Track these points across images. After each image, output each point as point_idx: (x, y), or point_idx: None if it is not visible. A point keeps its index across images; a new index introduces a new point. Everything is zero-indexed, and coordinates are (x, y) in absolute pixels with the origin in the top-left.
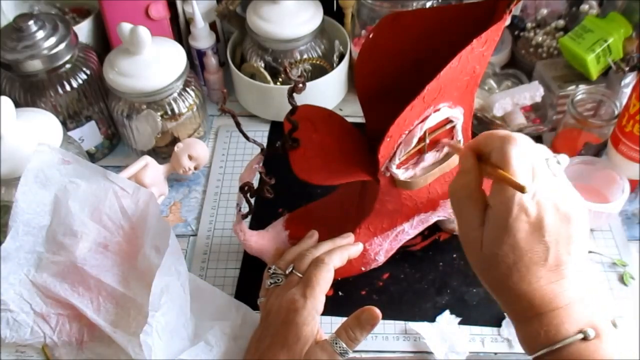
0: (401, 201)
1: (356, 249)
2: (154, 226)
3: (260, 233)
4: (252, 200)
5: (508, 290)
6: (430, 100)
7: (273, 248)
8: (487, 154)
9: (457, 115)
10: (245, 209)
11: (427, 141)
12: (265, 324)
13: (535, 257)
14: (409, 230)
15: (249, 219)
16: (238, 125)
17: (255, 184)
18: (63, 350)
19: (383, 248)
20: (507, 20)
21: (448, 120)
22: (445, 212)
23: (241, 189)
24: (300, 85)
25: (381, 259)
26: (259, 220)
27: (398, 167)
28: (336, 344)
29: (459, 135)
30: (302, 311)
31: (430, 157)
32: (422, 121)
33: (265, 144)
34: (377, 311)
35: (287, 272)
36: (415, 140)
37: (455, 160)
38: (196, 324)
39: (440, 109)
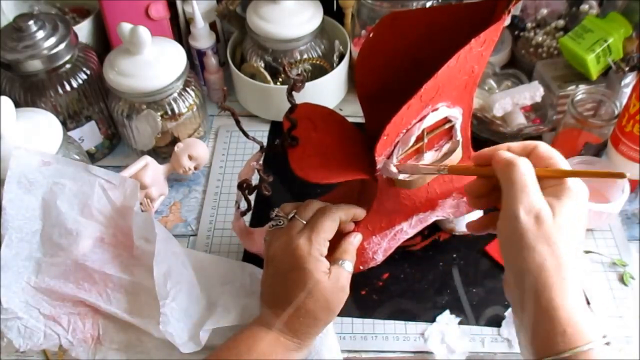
0: (400, 200)
1: (361, 212)
2: (135, 219)
3: (259, 231)
4: (252, 198)
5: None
6: (427, 99)
7: None
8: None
9: (456, 115)
10: (246, 207)
11: (426, 140)
12: (273, 270)
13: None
14: (408, 229)
15: (248, 216)
16: (238, 122)
17: (255, 182)
18: (80, 348)
19: (381, 247)
20: (507, 20)
21: (446, 120)
22: (444, 212)
23: (239, 186)
24: (299, 83)
25: (379, 258)
26: (259, 219)
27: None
28: (345, 264)
29: (458, 136)
30: (309, 257)
31: (429, 156)
32: (420, 120)
33: (265, 144)
34: (361, 234)
35: (289, 217)
36: (413, 139)
37: (453, 160)
38: (208, 292)
39: (438, 109)
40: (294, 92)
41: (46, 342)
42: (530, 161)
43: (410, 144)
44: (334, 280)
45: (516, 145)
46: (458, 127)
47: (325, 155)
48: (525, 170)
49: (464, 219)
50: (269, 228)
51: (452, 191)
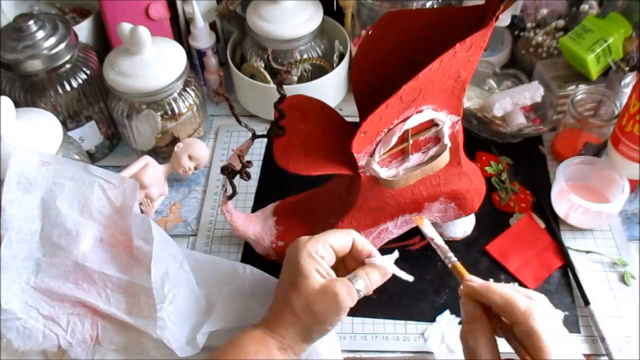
0: (384, 199)
1: (372, 249)
2: (133, 219)
3: (248, 216)
4: (254, 184)
5: None
6: (409, 100)
7: (258, 231)
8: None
9: (442, 118)
10: (232, 191)
11: (411, 142)
12: (282, 268)
13: None
14: (393, 229)
15: (251, 200)
16: (232, 108)
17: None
18: (79, 349)
19: None
20: (508, 20)
21: (433, 123)
22: (430, 215)
23: (222, 170)
24: (285, 74)
25: None
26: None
27: (380, 164)
28: (356, 281)
29: (445, 139)
30: (303, 249)
31: (415, 158)
32: (403, 121)
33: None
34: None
35: None
36: (394, 140)
37: (439, 163)
38: (206, 294)
39: (422, 111)
40: (283, 84)
41: (45, 342)
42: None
43: (392, 143)
44: (329, 286)
45: (499, 304)
46: (445, 130)
47: (309, 147)
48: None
49: (454, 225)
50: None
51: (440, 195)
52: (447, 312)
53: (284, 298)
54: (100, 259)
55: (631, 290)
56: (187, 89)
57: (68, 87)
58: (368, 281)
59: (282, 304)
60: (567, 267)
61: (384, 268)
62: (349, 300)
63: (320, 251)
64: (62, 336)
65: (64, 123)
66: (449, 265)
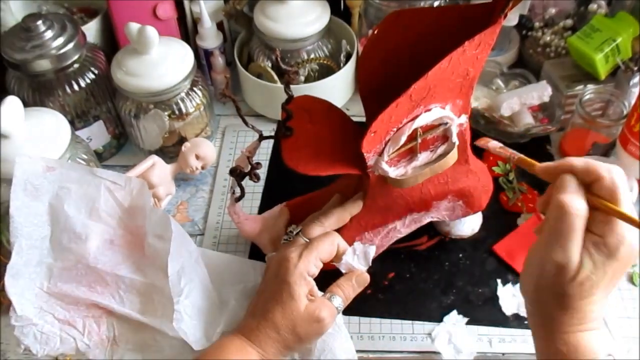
0: (392, 199)
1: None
2: (150, 216)
3: (255, 217)
4: (261, 185)
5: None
6: (418, 99)
7: (266, 233)
8: (587, 183)
9: (451, 117)
10: (240, 193)
11: (419, 140)
12: (264, 278)
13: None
14: (401, 228)
15: (257, 202)
16: (238, 110)
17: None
18: (97, 350)
19: (374, 244)
20: (515, 20)
21: (442, 122)
22: (439, 214)
23: (231, 172)
24: (293, 74)
25: None
26: (268, 206)
27: (389, 164)
28: (334, 299)
29: (454, 138)
30: (294, 270)
31: (424, 157)
32: (412, 120)
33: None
34: (367, 276)
35: (294, 233)
36: (403, 139)
37: (447, 161)
38: (220, 291)
39: (431, 109)
40: (290, 84)
41: (63, 346)
42: (591, 189)
43: (401, 142)
44: (311, 308)
45: (581, 166)
46: (454, 129)
47: (317, 148)
48: (574, 223)
49: (461, 223)
50: (281, 243)
51: (448, 193)
52: (455, 312)
53: (265, 312)
54: (111, 261)
55: (639, 291)
56: (195, 88)
57: (76, 87)
58: (343, 295)
59: (264, 318)
60: None
61: (351, 272)
62: (332, 322)
63: (312, 270)
64: (79, 339)
65: (72, 122)
66: (515, 159)
